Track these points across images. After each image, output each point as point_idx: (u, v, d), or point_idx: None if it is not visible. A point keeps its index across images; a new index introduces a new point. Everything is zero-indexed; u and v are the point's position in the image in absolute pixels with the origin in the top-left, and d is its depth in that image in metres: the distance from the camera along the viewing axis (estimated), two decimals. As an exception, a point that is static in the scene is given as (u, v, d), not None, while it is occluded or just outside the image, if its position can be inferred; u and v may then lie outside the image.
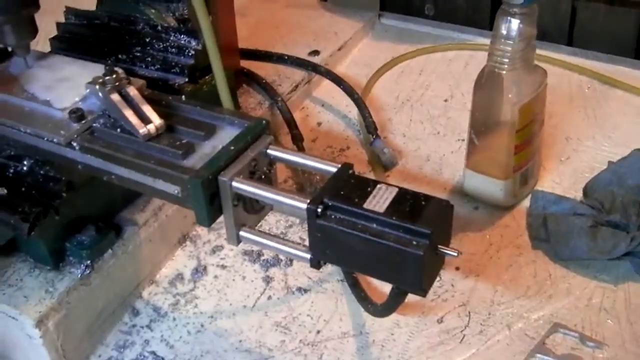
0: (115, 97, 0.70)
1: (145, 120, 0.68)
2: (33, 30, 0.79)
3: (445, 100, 1.09)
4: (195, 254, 0.84)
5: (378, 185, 0.60)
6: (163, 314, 0.78)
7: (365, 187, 0.60)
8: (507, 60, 0.78)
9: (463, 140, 0.98)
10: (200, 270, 0.82)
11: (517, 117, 0.80)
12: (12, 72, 0.80)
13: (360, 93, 1.06)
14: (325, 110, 1.09)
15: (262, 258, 0.83)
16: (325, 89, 1.12)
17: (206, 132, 0.68)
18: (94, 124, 0.71)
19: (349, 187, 0.61)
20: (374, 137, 0.97)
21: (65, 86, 0.77)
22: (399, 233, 0.56)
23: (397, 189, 0.60)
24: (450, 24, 1.30)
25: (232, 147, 0.64)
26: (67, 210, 0.73)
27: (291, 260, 0.82)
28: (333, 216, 0.59)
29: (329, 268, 0.81)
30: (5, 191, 0.71)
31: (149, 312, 0.78)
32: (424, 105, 1.08)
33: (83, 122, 0.71)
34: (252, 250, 0.83)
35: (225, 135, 0.69)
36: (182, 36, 0.85)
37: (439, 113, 1.06)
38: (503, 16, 0.77)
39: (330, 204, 0.59)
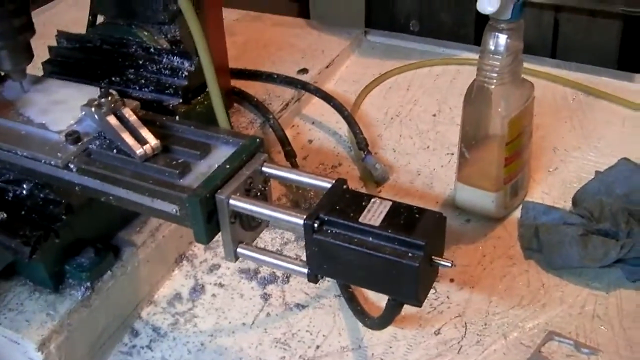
0: (111, 119, 0.72)
1: (142, 141, 0.70)
2: (29, 55, 0.80)
3: (434, 115, 1.11)
4: (193, 273, 0.86)
5: (372, 200, 0.62)
6: (163, 334, 0.79)
7: (360, 201, 0.62)
8: (495, 75, 0.80)
9: (452, 154, 1.00)
10: (198, 290, 0.83)
11: (507, 130, 0.82)
12: (7, 97, 0.81)
13: (350, 110, 1.08)
14: (316, 127, 1.10)
15: (259, 275, 0.84)
16: (315, 106, 1.14)
17: (201, 152, 0.70)
18: (90, 146, 0.72)
19: (344, 202, 0.62)
20: (365, 153, 0.98)
21: (61, 109, 0.78)
22: (394, 245, 0.58)
23: (390, 203, 0.61)
24: (435, 39, 1.32)
25: (228, 166, 0.66)
26: (66, 233, 0.74)
27: (288, 277, 0.83)
28: (329, 231, 0.60)
29: (325, 284, 0.82)
30: (5, 215, 0.71)
31: (148, 332, 0.79)
32: (413, 120, 1.10)
33: (79, 144, 0.72)
34: (249, 268, 0.85)
35: (221, 154, 0.70)
36: (175, 58, 0.87)
37: (428, 128, 1.08)
38: (491, 32, 0.79)
39: (326, 218, 0.60)
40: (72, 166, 0.71)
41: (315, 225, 0.60)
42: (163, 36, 0.89)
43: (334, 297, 0.81)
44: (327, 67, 1.21)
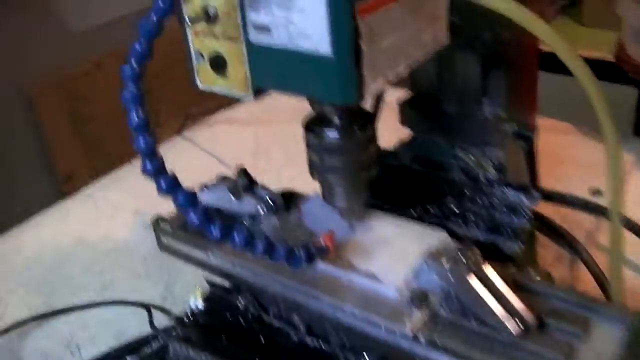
0: (472, 279, 0.63)
1: (512, 312, 0.61)
2: (366, 193, 0.73)
3: None
4: None
5: None
6: None
7: None
8: None
9: None
10: None
11: None
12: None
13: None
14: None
15: None
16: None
17: (581, 329, 0.60)
18: (439, 310, 0.64)
19: None
20: None
21: (386, 252, 0.70)
22: None
23: None
24: None
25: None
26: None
27: None
28: None
29: None
30: None
31: None
32: None
33: (424, 306, 0.64)
34: None
35: (605, 335, 0.60)
36: (509, 190, 0.77)
37: None
38: None
39: None
40: (420, 337, 0.62)
41: None
42: (489, 162, 0.79)
43: None
44: (619, 188, 1.09)
